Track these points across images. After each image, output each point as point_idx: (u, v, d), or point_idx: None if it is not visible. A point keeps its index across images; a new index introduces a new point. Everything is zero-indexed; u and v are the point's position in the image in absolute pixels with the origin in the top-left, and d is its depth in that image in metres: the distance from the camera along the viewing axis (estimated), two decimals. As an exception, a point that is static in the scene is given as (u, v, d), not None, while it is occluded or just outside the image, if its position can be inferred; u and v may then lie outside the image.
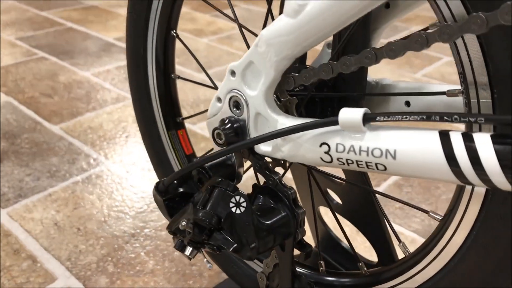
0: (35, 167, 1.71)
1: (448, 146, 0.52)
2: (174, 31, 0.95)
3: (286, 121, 0.67)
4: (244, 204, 0.69)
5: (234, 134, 0.72)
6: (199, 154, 1.04)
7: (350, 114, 0.58)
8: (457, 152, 0.52)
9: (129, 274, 1.29)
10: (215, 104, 0.75)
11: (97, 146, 1.84)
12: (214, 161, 0.76)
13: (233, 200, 0.69)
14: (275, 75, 0.66)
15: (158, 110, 1.00)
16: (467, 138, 0.52)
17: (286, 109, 0.72)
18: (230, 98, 0.72)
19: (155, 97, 0.99)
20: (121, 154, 1.79)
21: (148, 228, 1.44)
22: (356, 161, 0.59)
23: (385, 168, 0.57)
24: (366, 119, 0.58)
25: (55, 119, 2.01)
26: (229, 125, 0.72)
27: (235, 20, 0.83)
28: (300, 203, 0.74)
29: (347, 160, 0.60)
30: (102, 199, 1.56)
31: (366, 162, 0.58)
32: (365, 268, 0.82)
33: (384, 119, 0.57)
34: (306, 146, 0.63)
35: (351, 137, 0.59)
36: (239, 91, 0.71)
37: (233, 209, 0.69)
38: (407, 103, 0.78)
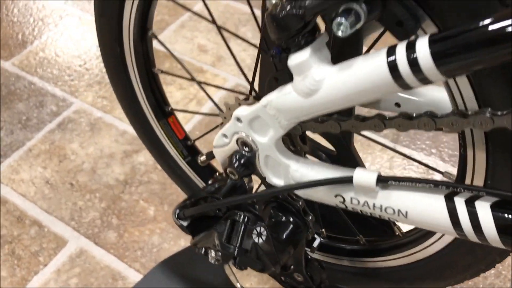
0: (3, 118, 1.67)
1: (453, 213, 0.60)
2: (151, 31, 0.91)
3: (298, 167, 0.72)
4: (265, 233, 0.77)
5: (245, 169, 0.77)
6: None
7: (364, 176, 0.64)
8: (462, 219, 0.60)
9: (134, 225, 1.39)
10: (222, 138, 0.78)
11: (59, 82, 1.78)
12: (226, 188, 0.82)
13: (255, 232, 0.77)
14: (285, 131, 0.69)
15: (146, 105, 1.00)
16: (470, 206, 0.60)
17: (293, 142, 0.76)
18: (238, 139, 0.75)
19: (140, 94, 0.99)
20: (88, 88, 1.76)
21: (139, 173, 1.50)
22: (370, 213, 0.67)
23: (397, 221, 0.66)
24: (379, 181, 0.64)
25: (3, 54, 1.89)
26: (239, 162, 0.76)
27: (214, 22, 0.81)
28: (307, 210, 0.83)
29: (361, 210, 0.68)
30: (84, 146, 1.58)
31: (380, 215, 0.66)
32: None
33: (395, 183, 0.64)
34: (322, 194, 0.70)
35: (365, 193, 0.66)
36: (247, 135, 0.74)
37: (256, 240, 0.77)
38: (397, 104, 0.82)
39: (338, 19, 0.53)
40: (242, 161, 0.76)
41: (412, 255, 0.85)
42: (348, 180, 0.65)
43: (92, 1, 0.87)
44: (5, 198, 1.46)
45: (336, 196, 0.69)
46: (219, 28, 0.85)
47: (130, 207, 1.43)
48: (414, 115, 0.60)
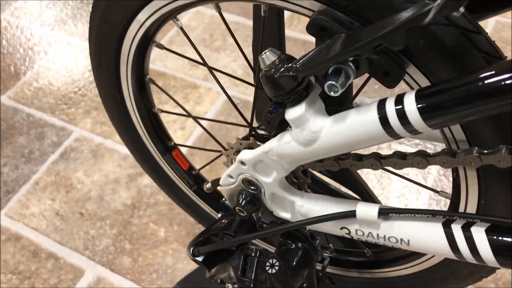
0: (6, 154, 1.70)
1: (451, 239, 0.65)
2: (148, 77, 0.95)
3: (303, 202, 0.76)
4: (277, 264, 0.82)
5: (252, 206, 0.81)
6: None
7: (366, 210, 0.69)
8: (459, 244, 0.65)
9: (147, 248, 1.44)
10: (228, 179, 0.82)
11: (57, 111, 1.81)
12: (236, 223, 0.86)
13: (268, 264, 0.82)
14: (287, 172, 0.73)
15: (149, 143, 1.04)
16: (467, 231, 0.64)
17: (295, 176, 0.80)
18: (243, 179, 0.80)
19: (143, 133, 1.02)
20: (86, 115, 1.79)
21: (145, 196, 1.55)
22: (375, 242, 0.72)
23: (401, 247, 0.70)
24: (380, 214, 0.69)
25: (-2, 87, 1.92)
26: (246, 200, 0.81)
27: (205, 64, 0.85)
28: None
29: (366, 240, 0.72)
30: (88, 174, 1.62)
31: (384, 244, 0.71)
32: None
33: (396, 215, 0.68)
34: (328, 227, 0.74)
35: (368, 225, 0.70)
36: (251, 176, 0.78)
37: (270, 271, 0.82)
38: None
39: (330, 81, 0.57)
40: (249, 199, 0.81)
41: (418, 265, 0.90)
42: (352, 215, 0.70)
43: (79, 24, 0.90)
44: (18, 234, 1.50)
45: (341, 228, 0.73)
46: (210, 70, 0.88)
47: (141, 231, 1.47)
48: (408, 154, 0.65)
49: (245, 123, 0.88)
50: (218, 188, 0.86)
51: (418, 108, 0.54)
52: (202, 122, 1.71)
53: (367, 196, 1.01)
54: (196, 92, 1.82)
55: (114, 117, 1.02)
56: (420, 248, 0.68)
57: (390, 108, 0.56)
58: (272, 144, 0.70)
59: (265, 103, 0.93)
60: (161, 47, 0.89)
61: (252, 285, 0.81)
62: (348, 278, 1.04)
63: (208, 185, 1.08)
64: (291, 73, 0.60)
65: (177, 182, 1.11)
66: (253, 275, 0.82)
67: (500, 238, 0.62)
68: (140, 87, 0.96)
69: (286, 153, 0.69)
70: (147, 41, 0.87)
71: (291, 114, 0.64)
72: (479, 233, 0.63)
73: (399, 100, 0.56)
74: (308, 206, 0.76)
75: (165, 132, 1.06)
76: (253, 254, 0.82)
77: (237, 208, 0.82)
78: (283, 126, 0.72)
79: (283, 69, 0.60)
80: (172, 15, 0.79)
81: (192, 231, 1.46)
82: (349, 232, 0.73)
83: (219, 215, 0.93)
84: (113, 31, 0.84)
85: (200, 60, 0.87)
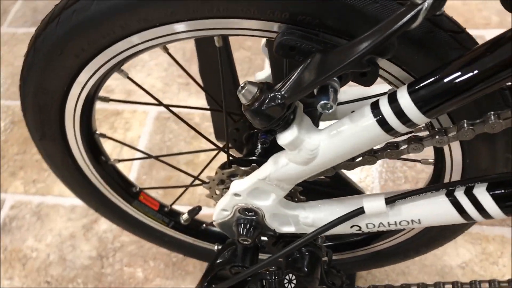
0: None
1: (458, 206, 0.68)
2: (97, 132, 0.88)
3: (306, 214, 0.76)
4: (294, 277, 0.82)
5: (255, 231, 0.80)
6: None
7: (374, 204, 0.70)
8: (467, 208, 0.68)
9: (130, 293, 1.38)
10: (222, 213, 0.80)
11: (-23, 183, 1.65)
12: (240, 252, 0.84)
13: (285, 281, 0.81)
14: (287, 192, 0.72)
15: (115, 196, 0.98)
16: (469, 194, 0.68)
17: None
18: (239, 209, 0.78)
19: (105, 189, 0.96)
20: (13, 177, 1.65)
21: (109, 242, 1.47)
22: (387, 229, 0.73)
23: (413, 228, 0.73)
24: (387, 203, 0.70)
25: None
26: (247, 228, 0.79)
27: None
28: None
29: (377, 230, 0.74)
30: (39, 238, 1.51)
31: (396, 229, 0.73)
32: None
33: (402, 200, 0.70)
34: (338, 229, 0.75)
35: (377, 217, 0.72)
36: (247, 204, 0.76)
37: (289, 287, 0.82)
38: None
39: (323, 101, 0.56)
40: (249, 226, 0.79)
41: (406, 234, 0.94)
42: (361, 212, 0.71)
43: None
44: (-14, 326, 1.37)
45: (352, 227, 0.74)
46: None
47: (117, 278, 1.40)
48: (401, 143, 0.66)
49: (214, 148, 0.85)
50: (214, 223, 0.83)
51: (415, 103, 0.55)
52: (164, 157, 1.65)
53: (351, 187, 1.02)
54: (121, 118, 1.74)
55: (71, 183, 0.95)
56: (431, 223, 0.71)
57: (386, 109, 0.57)
58: (268, 170, 0.69)
59: (221, 125, 0.91)
60: (107, 99, 0.83)
61: (278, 307, 0.81)
62: (346, 260, 1.07)
63: (185, 217, 1.05)
64: (278, 103, 0.58)
65: (153, 225, 1.06)
66: (275, 296, 0.81)
67: (501, 191, 0.66)
68: (92, 146, 0.89)
69: (285, 176, 0.68)
70: (91, 98, 0.81)
71: (285, 139, 0.62)
72: (482, 193, 0.67)
73: (393, 99, 0.57)
74: (313, 216, 0.76)
75: (126, 181, 1.01)
76: (269, 277, 0.81)
77: (240, 238, 0.80)
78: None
79: (268, 99, 0.59)
80: (115, 67, 0.74)
81: (170, 260, 1.41)
82: (360, 228, 0.74)
83: (215, 247, 0.91)
84: (52, 99, 0.77)
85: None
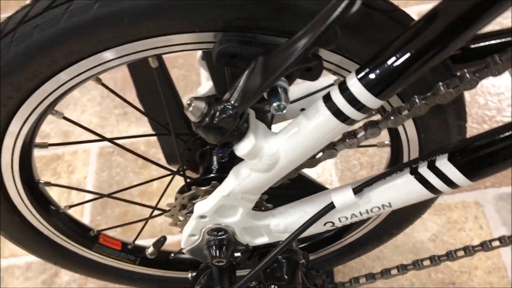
0: None
1: (424, 182, 0.68)
2: (41, 181, 0.83)
3: (277, 221, 0.74)
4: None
5: (228, 250, 0.77)
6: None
7: (343, 196, 0.69)
8: (434, 182, 0.68)
9: None
10: (190, 239, 0.76)
11: None
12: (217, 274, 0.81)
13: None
14: (254, 202, 0.70)
15: (73, 245, 0.92)
16: (433, 168, 0.68)
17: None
18: (207, 231, 0.74)
19: (62, 240, 0.90)
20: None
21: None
22: (360, 219, 0.72)
23: (385, 212, 0.72)
24: (355, 193, 0.69)
25: None
26: (220, 249, 0.76)
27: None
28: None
29: (351, 222, 0.73)
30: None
31: (368, 217, 0.72)
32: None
33: (369, 187, 0.69)
34: (312, 229, 0.73)
35: (349, 209, 0.71)
36: (215, 224, 0.73)
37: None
38: (303, 110, 0.87)
39: (275, 103, 0.54)
40: (221, 246, 0.76)
41: (376, 219, 0.94)
42: (331, 207, 0.69)
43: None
44: None
45: (325, 224, 0.73)
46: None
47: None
48: (357, 130, 0.65)
49: (168, 174, 0.82)
50: (184, 251, 0.79)
51: (367, 88, 0.54)
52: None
53: (314, 185, 1.00)
54: (63, 162, 1.66)
55: (23, 241, 0.88)
56: (402, 204, 0.71)
57: (339, 99, 0.56)
58: (231, 185, 0.66)
59: (171, 148, 0.88)
60: (45, 145, 0.78)
61: (267, 324, 0.78)
62: (322, 258, 1.05)
63: (151, 250, 1.00)
64: (230, 113, 0.56)
65: (119, 265, 1.01)
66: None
67: (463, 159, 0.67)
68: (38, 197, 0.83)
69: (250, 187, 0.65)
70: (28, 147, 0.75)
71: (243, 149, 0.60)
72: (444, 165, 0.67)
73: (343, 88, 0.56)
74: (284, 222, 0.74)
75: (82, 226, 0.95)
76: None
77: (215, 261, 0.76)
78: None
79: (219, 112, 0.56)
80: (48, 110, 0.69)
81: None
82: (333, 223, 0.73)
83: (189, 275, 0.87)
84: (-16, 156, 0.71)
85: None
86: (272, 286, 0.79)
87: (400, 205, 0.71)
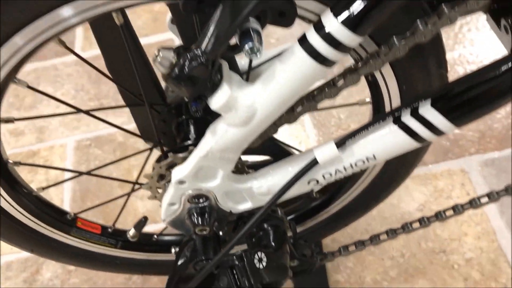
0: None
1: (408, 130, 0.66)
2: (10, 161, 0.79)
3: (260, 183, 0.71)
4: (263, 255, 0.77)
5: (210, 217, 0.74)
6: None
7: (325, 151, 0.66)
8: (418, 130, 0.66)
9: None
10: (170, 208, 0.73)
11: None
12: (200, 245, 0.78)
13: (256, 262, 0.76)
14: (234, 163, 0.67)
15: (50, 230, 0.88)
16: (416, 115, 0.65)
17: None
18: (187, 198, 0.71)
19: (36, 224, 0.86)
20: None
21: (58, 288, 1.35)
22: (345, 175, 0.70)
23: (370, 165, 0.70)
24: (339, 146, 0.66)
25: None
26: (202, 216, 0.73)
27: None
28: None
29: (336, 178, 0.70)
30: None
31: (353, 172, 0.70)
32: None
33: (352, 140, 0.67)
34: (296, 188, 0.70)
35: (332, 164, 0.68)
36: (195, 189, 0.70)
37: (260, 266, 0.76)
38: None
39: (248, 45, 0.51)
40: (204, 213, 0.73)
41: (362, 184, 0.92)
42: (315, 163, 0.67)
43: None
44: None
45: (309, 182, 0.70)
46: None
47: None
48: (337, 78, 0.62)
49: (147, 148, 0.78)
50: (164, 223, 0.76)
51: (344, 24, 0.52)
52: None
53: (286, 151, 0.98)
54: (39, 158, 1.61)
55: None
56: (387, 156, 0.68)
57: (315, 39, 0.53)
58: (208, 143, 0.63)
59: (146, 121, 0.85)
60: (12, 120, 0.74)
61: (256, 290, 0.75)
62: (310, 229, 1.03)
63: (132, 232, 0.97)
64: (201, 61, 0.53)
65: (100, 250, 0.97)
66: (249, 280, 0.75)
67: (446, 103, 0.65)
68: (9, 179, 0.79)
69: (228, 144, 0.62)
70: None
71: (217, 102, 0.57)
72: (428, 111, 0.65)
73: (319, 27, 0.53)
74: (267, 183, 0.71)
75: (57, 209, 0.91)
76: (237, 262, 0.75)
77: (197, 229, 0.73)
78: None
79: (188, 61, 0.53)
80: (9, 79, 0.65)
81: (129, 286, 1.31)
82: (318, 181, 0.70)
83: (173, 251, 0.83)
84: None
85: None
86: (258, 253, 0.76)
87: (385, 157, 0.68)
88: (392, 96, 0.75)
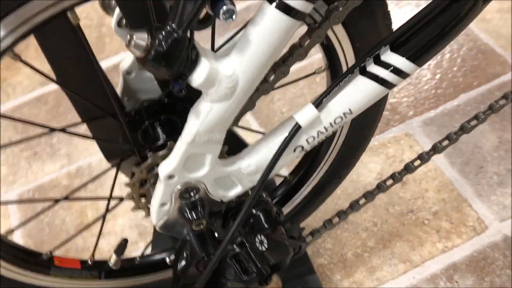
0: None
1: (376, 78, 0.68)
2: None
3: (247, 162, 0.70)
4: (263, 237, 0.76)
5: (204, 209, 0.72)
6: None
7: (305, 113, 0.67)
8: (385, 76, 0.68)
9: None
10: (161, 209, 0.70)
11: None
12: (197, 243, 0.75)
13: (257, 245, 0.75)
14: (221, 143, 0.66)
15: (24, 275, 0.82)
16: (380, 62, 0.68)
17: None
18: (178, 195, 0.69)
19: (13, 272, 0.80)
20: None
21: None
22: (327, 136, 0.71)
23: (347, 120, 0.71)
24: (317, 106, 0.68)
25: None
26: (196, 210, 0.71)
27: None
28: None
29: (318, 141, 0.71)
30: None
31: (334, 131, 0.71)
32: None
33: (327, 98, 0.68)
34: (284, 159, 0.70)
35: (313, 126, 0.69)
36: (185, 183, 0.68)
37: (263, 248, 0.75)
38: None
39: (224, 8, 0.51)
40: (197, 206, 0.71)
41: (331, 155, 0.94)
42: (298, 128, 0.67)
43: None
44: None
45: (295, 150, 0.70)
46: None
47: None
48: (304, 39, 0.64)
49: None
50: (157, 228, 0.73)
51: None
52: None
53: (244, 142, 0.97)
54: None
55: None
56: (361, 107, 0.70)
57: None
58: (193, 127, 0.61)
59: (108, 134, 0.81)
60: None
61: (264, 273, 0.74)
62: (292, 212, 1.03)
63: (114, 259, 0.92)
64: (178, 35, 0.52)
65: (84, 286, 0.91)
66: (255, 265, 0.74)
67: (404, 45, 0.68)
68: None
69: (214, 122, 0.61)
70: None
71: (199, 77, 0.56)
72: (390, 56, 0.68)
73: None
74: (255, 160, 0.70)
75: (30, 251, 0.85)
76: (240, 250, 0.74)
77: (194, 225, 0.71)
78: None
79: (164, 38, 0.52)
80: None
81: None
82: (303, 147, 0.71)
83: (167, 260, 0.80)
84: None
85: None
86: (258, 236, 0.75)
87: (360, 109, 0.70)
88: (347, 55, 0.78)
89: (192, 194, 0.70)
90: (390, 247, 1.26)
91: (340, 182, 1.02)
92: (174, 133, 0.76)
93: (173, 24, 0.52)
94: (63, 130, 0.75)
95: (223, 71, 0.57)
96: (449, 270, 1.21)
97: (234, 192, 0.73)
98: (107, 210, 0.83)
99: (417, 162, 0.95)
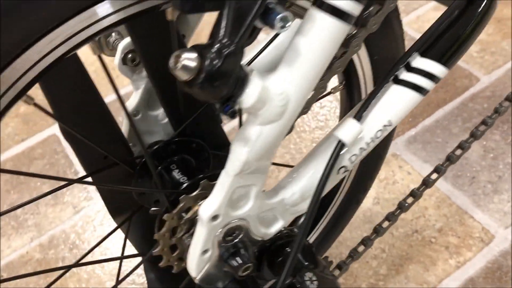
0: None
1: (411, 85, 0.65)
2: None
3: (290, 191, 0.64)
4: (312, 274, 0.69)
5: (249, 251, 0.64)
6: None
7: (348, 129, 0.62)
8: (418, 82, 0.65)
9: None
10: (202, 258, 0.62)
11: None
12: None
13: (308, 283, 0.67)
14: (267, 173, 0.59)
15: None
16: (412, 69, 0.65)
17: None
18: (220, 238, 0.61)
19: None
20: None
21: None
22: (367, 153, 0.66)
23: (386, 134, 0.67)
24: (358, 120, 0.63)
25: None
26: (240, 253, 0.63)
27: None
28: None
29: (359, 159, 0.66)
30: None
31: (374, 144, 0.66)
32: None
33: (366, 110, 0.64)
34: (330, 182, 0.64)
35: (355, 144, 0.64)
36: (227, 223, 0.60)
37: (313, 286, 0.68)
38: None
39: (279, 16, 0.46)
40: (241, 249, 0.63)
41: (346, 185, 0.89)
42: (342, 146, 0.62)
43: None
44: None
45: (339, 171, 0.65)
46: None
47: None
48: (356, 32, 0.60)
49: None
50: (199, 283, 0.64)
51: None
52: None
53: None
54: None
55: None
56: (400, 117, 0.66)
57: (334, -3, 0.50)
58: (242, 156, 0.54)
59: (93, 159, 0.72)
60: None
61: (322, 312, 0.66)
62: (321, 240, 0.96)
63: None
64: (231, 49, 0.46)
65: None
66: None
67: (433, 49, 0.66)
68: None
69: (265, 148, 0.54)
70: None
71: (251, 97, 0.50)
72: (420, 62, 0.65)
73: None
74: (298, 188, 0.64)
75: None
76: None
77: (242, 270, 0.63)
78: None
79: (216, 54, 0.46)
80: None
81: None
82: (346, 167, 0.65)
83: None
84: None
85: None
86: (306, 274, 0.68)
87: (398, 119, 0.66)
88: (365, 69, 0.75)
89: (234, 235, 0.62)
90: (403, 271, 1.22)
91: (358, 206, 0.97)
92: (192, 173, 0.69)
93: (224, 38, 0.46)
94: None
95: (273, 89, 0.51)
96: (468, 285, 1.17)
97: (276, 227, 0.66)
98: (119, 275, 0.73)
99: (422, 188, 0.94)
